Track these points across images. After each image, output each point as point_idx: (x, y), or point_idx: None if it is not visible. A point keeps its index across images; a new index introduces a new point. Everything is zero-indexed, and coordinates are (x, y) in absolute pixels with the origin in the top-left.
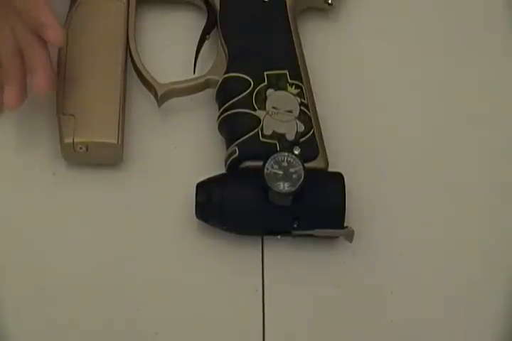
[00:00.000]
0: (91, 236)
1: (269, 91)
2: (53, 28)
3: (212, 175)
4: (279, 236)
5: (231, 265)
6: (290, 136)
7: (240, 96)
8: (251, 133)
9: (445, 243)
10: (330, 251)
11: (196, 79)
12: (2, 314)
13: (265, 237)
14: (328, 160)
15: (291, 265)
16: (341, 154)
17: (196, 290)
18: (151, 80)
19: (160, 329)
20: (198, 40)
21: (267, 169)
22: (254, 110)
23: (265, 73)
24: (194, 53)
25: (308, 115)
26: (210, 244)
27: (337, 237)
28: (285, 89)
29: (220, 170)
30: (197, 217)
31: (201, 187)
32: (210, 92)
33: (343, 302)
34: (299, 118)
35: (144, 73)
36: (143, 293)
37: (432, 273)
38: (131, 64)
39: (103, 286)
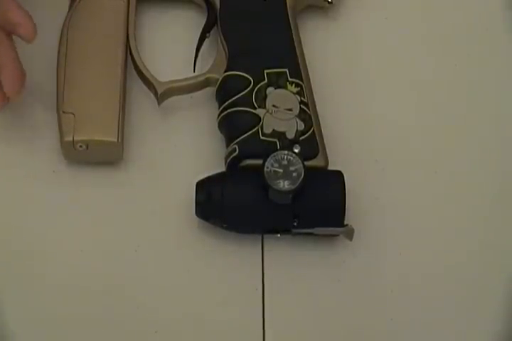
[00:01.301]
0: (91, 235)
1: (269, 89)
2: (23, 25)
3: (212, 173)
4: (278, 235)
5: (231, 263)
6: (290, 135)
7: (239, 95)
8: (251, 132)
9: (445, 242)
10: (330, 249)
11: (196, 77)
12: (2, 314)
13: (265, 236)
14: (328, 158)
15: (291, 263)
16: (341, 152)
17: (196, 288)
18: (151, 78)
19: (160, 327)
20: (198, 39)
21: (267, 167)
22: (254, 108)
23: (265, 71)
24: (194, 52)
25: (308, 113)
26: (210, 243)
27: (337, 235)
28: (285, 87)
29: (220, 168)
30: (197, 215)
31: (201, 185)
32: (210, 91)
33: (342, 301)
34: (299, 116)
35: (144, 71)
36: (143, 292)
37: (431, 272)
38: (131, 62)
39: (103, 285)
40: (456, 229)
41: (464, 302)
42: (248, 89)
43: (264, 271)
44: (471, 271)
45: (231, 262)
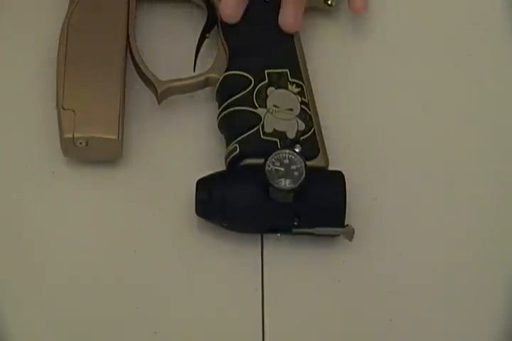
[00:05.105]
0: (90, 234)
1: (270, 89)
2: None
3: (212, 172)
4: (279, 235)
5: (231, 263)
6: (291, 135)
7: (240, 94)
8: (252, 131)
9: (445, 242)
10: (330, 249)
11: (196, 77)
12: (2, 314)
13: (265, 236)
14: (328, 158)
15: (290, 263)
16: (341, 152)
17: (195, 288)
18: (151, 77)
19: (159, 328)
20: (198, 38)
21: (269, 166)
22: (255, 108)
23: (266, 71)
24: (194, 51)
25: (308, 113)
26: (210, 242)
27: (337, 236)
28: (286, 87)
29: (219, 167)
30: (197, 214)
31: (201, 184)
32: (210, 90)
33: (342, 301)
34: (299, 116)
35: (144, 70)
36: (142, 292)
37: (431, 273)
38: (132, 61)
39: (102, 285)
40: (456, 229)
41: (464, 303)
42: (249, 88)
43: (264, 271)
44: (471, 271)
45: (231, 262)
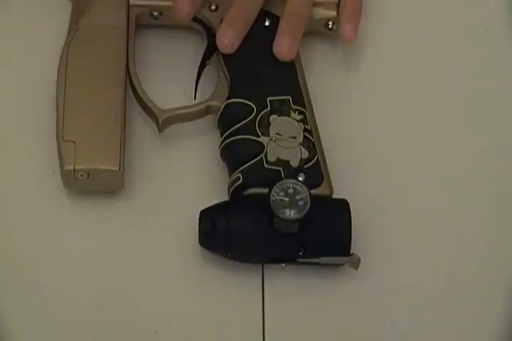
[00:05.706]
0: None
1: (273, 117)
2: None
3: (214, 202)
4: (283, 265)
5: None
6: (294, 163)
7: (242, 123)
8: (255, 160)
9: (445, 242)
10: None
11: (197, 105)
12: (2, 314)
13: (266, 265)
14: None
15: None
16: (341, 154)
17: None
18: (151, 106)
19: (159, 328)
20: (198, 65)
21: (273, 196)
22: (258, 136)
23: (268, 99)
24: (195, 78)
25: (311, 141)
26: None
27: (342, 265)
28: (288, 115)
29: (222, 197)
30: (200, 244)
31: (205, 214)
32: (212, 118)
33: (342, 301)
34: (302, 144)
35: (145, 99)
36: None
37: (431, 273)
38: (132, 90)
39: (102, 285)
40: (456, 229)
41: (464, 303)
42: (251, 116)
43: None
44: (471, 271)
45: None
